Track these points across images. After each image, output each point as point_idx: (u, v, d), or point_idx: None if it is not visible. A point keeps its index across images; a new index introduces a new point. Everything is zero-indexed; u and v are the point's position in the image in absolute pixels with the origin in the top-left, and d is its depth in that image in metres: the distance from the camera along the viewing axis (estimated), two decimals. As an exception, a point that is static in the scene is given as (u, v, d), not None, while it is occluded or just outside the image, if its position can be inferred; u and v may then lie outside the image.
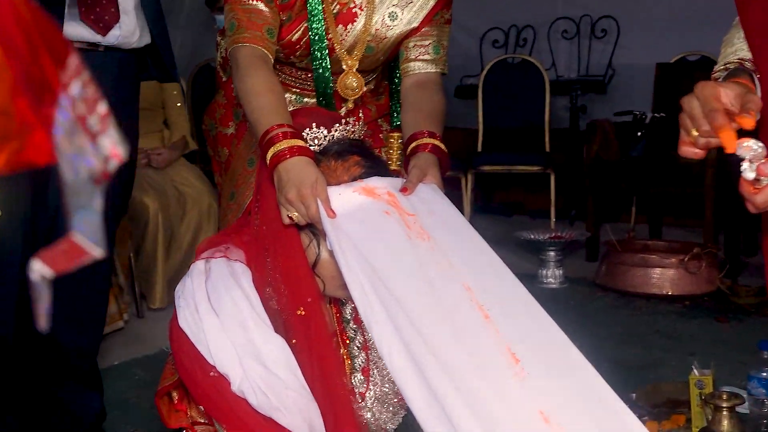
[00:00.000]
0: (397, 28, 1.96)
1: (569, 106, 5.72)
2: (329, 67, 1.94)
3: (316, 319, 1.57)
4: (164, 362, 1.78)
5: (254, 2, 1.85)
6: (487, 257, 1.55)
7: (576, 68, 6.34)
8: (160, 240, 3.81)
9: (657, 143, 4.56)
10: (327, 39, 1.92)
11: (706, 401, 2.22)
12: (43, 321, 0.58)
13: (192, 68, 5.52)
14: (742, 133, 1.19)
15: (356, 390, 1.69)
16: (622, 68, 6.09)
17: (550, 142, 5.40)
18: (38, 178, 2.01)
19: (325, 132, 1.71)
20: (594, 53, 6.27)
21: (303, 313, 1.57)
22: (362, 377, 1.71)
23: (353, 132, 1.83)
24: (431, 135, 1.78)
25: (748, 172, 1.18)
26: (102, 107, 0.58)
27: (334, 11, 1.92)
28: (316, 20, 1.90)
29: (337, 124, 1.73)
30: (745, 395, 2.32)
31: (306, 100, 2.04)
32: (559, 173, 5.15)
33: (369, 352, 1.72)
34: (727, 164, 3.85)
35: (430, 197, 1.64)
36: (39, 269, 0.58)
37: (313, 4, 1.88)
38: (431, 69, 1.99)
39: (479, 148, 5.49)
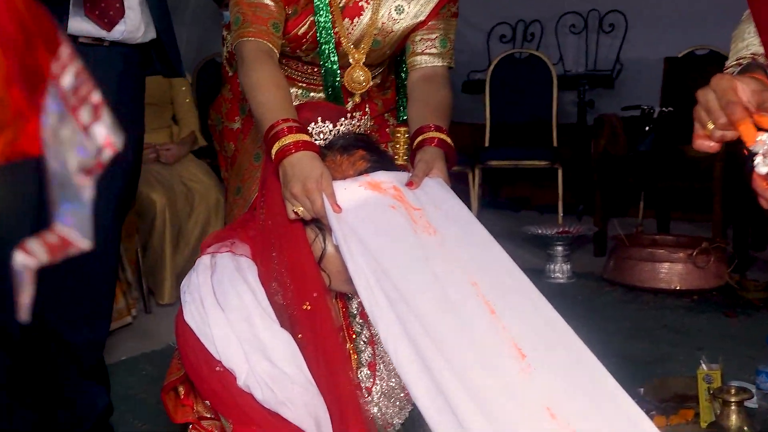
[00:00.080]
0: (404, 21, 1.95)
1: (577, 100, 5.71)
2: (337, 60, 1.94)
3: (322, 314, 1.57)
4: (171, 357, 1.78)
5: (259, -4, 1.84)
6: (494, 252, 1.55)
7: (584, 63, 6.32)
8: (167, 236, 3.81)
9: (665, 138, 4.54)
10: (333, 33, 1.91)
11: (715, 396, 2.21)
12: (24, 312, 0.57)
13: (197, 64, 5.52)
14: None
15: (362, 385, 1.68)
16: (629, 63, 6.07)
17: (558, 136, 5.39)
18: (43, 169, 2.01)
19: (331, 126, 1.70)
20: (602, 48, 6.25)
21: (309, 307, 1.56)
22: (369, 372, 1.71)
23: (359, 126, 1.82)
24: (438, 129, 1.78)
25: (761, 166, 1.17)
26: (95, 96, 0.58)
27: (341, 5, 1.91)
28: (323, 14, 1.89)
29: (343, 119, 1.73)
30: (753, 390, 2.32)
31: (312, 94, 2.03)
32: (567, 168, 5.14)
33: (375, 346, 1.72)
34: (735, 158, 3.84)
35: (437, 191, 1.63)
36: (22, 260, 0.57)
37: (319, -2, 1.88)
38: (438, 63, 1.98)
39: (486, 143, 5.49)
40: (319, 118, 1.70)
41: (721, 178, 4.20)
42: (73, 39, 2.09)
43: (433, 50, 1.97)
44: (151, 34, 2.23)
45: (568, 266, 4.28)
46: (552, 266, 4.27)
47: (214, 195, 3.99)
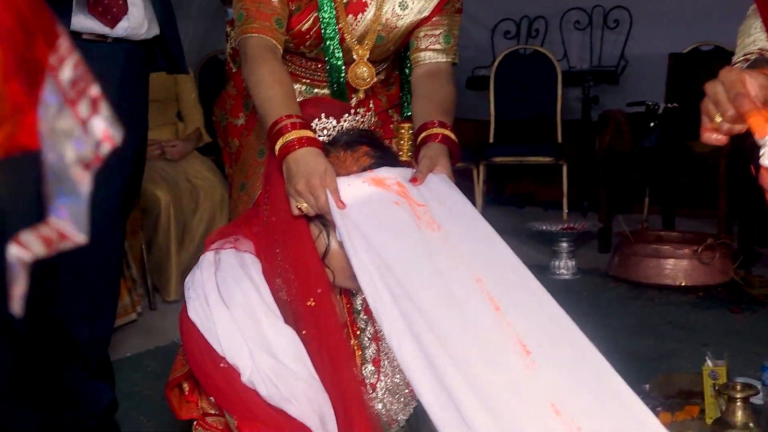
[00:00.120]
0: (408, 17, 1.95)
1: (581, 96, 5.70)
2: (342, 56, 1.94)
3: (326, 310, 1.56)
4: (176, 354, 1.78)
5: (263, -8, 1.84)
6: (498, 248, 1.54)
7: (588, 59, 6.30)
8: (172, 232, 3.81)
9: (670, 134, 4.53)
10: (337, 29, 1.91)
11: (720, 392, 2.20)
12: (16, 305, 0.57)
13: (200, 60, 5.52)
14: None
15: (367, 381, 1.68)
16: (634, 59, 6.04)
17: (563, 133, 5.38)
18: (42, 162, 2.01)
19: (335, 122, 1.70)
20: (606, 44, 6.23)
21: (313, 304, 1.56)
22: (373, 368, 1.71)
23: (363, 122, 1.82)
24: (441, 125, 1.77)
25: (767, 160, 1.16)
26: (94, 90, 0.58)
27: (345, 1, 1.91)
28: (327, 10, 1.89)
29: (347, 115, 1.72)
30: (759, 386, 2.31)
31: (316, 90, 2.03)
32: (572, 164, 5.13)
33: (380, 343, 1.71)
34: (741, 154, 3.82)
35: (441, 188, 1.63)
36: (16, 252, 0.57)
37: (322, -6, 1.87)
38: (442, 59, 1.97)
39: (491, 140, 5.48)
40: (323, 114, 1.70)
41: (726, 174, 4.19)
42: (77, 36, 2.08)
43: (437, 46, 1.97)
44: (155, 31, 2.23)
45: (573, 262, 4.27)
46: (556, 262, 4.26)
47: (219, 191, 3.99)
